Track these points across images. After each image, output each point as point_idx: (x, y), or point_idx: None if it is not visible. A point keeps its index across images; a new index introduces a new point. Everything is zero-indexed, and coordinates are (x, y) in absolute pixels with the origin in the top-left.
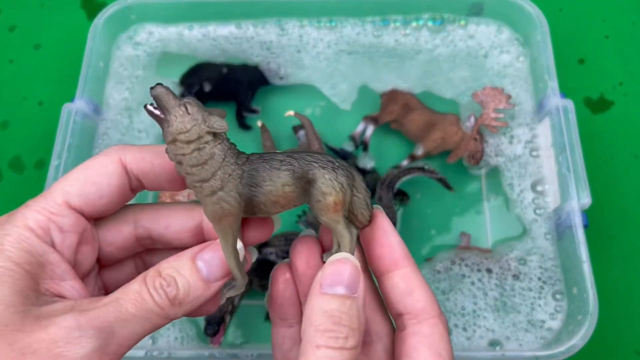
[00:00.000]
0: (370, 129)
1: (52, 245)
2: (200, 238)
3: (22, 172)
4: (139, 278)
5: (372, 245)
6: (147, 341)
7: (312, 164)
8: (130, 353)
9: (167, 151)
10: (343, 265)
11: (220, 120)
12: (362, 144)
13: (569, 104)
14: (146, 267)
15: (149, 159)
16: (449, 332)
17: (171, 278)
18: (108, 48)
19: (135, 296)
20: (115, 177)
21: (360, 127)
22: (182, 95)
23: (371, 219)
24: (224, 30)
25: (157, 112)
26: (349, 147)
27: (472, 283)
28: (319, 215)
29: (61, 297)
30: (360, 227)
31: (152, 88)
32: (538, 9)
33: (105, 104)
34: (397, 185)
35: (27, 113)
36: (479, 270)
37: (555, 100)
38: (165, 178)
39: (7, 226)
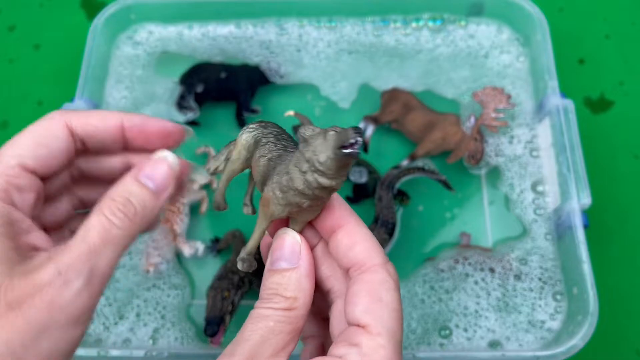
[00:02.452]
0: (370, 129)
1: (13, 205)
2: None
3: None
4: (94, 212)
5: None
6: (147, 341)
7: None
8: (130, 353)
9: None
10: (283, 242)
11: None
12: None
13: (569, 104)
14: (82, 202)
15: (93, 122)
16: (397, 281)
17: (125, 199)
18: (108, 48)
19: (98, 228)
20: (63, 140)
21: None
22: (182, 96)
23: None
24: (223, 30)
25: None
26: None
27: (476, 282)
28: None
29: (34, 247)
30: None
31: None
32: (538, 9)
33: (105, 104)
34: (397, 185)
35: (27, 113)
36: (482, 270)
37: (555, 100)
38: (110, 139)
39: None
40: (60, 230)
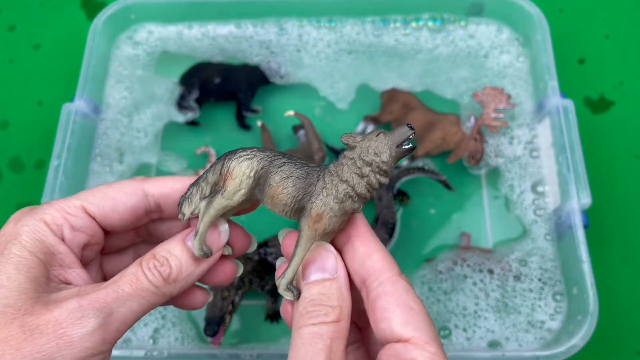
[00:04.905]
0: (370, 129)
1: (62, 239)
2: None
3: (22, 172)
4: (135, 262)
5: None
6: (147, 341)
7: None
8: (130, 353)
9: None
10: (317, 254)
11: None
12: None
13: (569, 104)
14: None
15: (170, 185)
16: (412, 287)
17: (164, 259)
18: (108, 48)
19: (131, 277)
20: (132, 197)
21: (360, 127)
22: (182, 96)
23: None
24: (223, 30)
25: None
26: None
27: (474, 284)
28: None
29: (68, 283)
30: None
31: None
32: (538, 9)
33: (104, 104)
34: (397, 185)
35: (27, 113)
36: (480, 271)
37: (555, 100)
38: None
39: (26, 218)
40: None
